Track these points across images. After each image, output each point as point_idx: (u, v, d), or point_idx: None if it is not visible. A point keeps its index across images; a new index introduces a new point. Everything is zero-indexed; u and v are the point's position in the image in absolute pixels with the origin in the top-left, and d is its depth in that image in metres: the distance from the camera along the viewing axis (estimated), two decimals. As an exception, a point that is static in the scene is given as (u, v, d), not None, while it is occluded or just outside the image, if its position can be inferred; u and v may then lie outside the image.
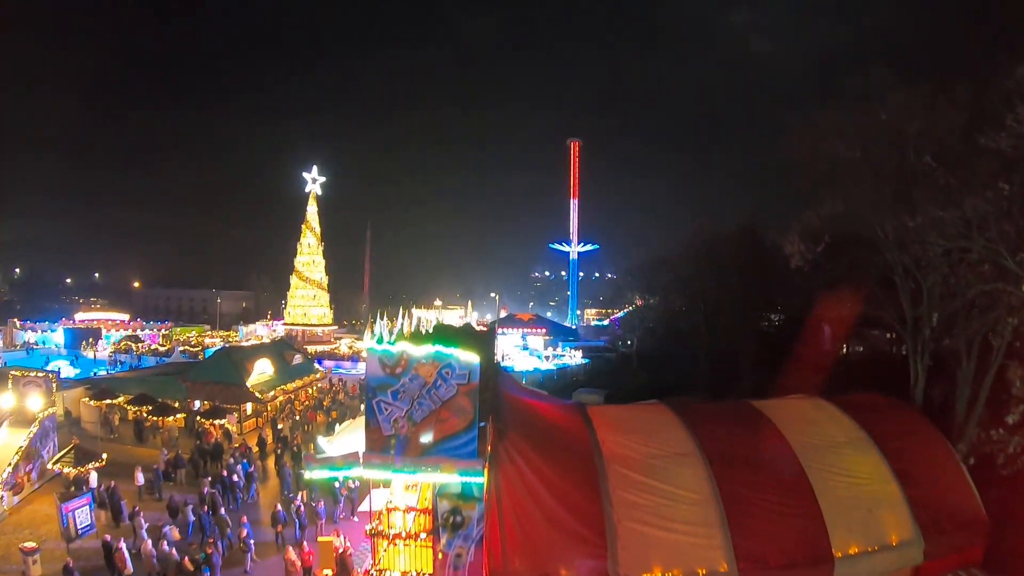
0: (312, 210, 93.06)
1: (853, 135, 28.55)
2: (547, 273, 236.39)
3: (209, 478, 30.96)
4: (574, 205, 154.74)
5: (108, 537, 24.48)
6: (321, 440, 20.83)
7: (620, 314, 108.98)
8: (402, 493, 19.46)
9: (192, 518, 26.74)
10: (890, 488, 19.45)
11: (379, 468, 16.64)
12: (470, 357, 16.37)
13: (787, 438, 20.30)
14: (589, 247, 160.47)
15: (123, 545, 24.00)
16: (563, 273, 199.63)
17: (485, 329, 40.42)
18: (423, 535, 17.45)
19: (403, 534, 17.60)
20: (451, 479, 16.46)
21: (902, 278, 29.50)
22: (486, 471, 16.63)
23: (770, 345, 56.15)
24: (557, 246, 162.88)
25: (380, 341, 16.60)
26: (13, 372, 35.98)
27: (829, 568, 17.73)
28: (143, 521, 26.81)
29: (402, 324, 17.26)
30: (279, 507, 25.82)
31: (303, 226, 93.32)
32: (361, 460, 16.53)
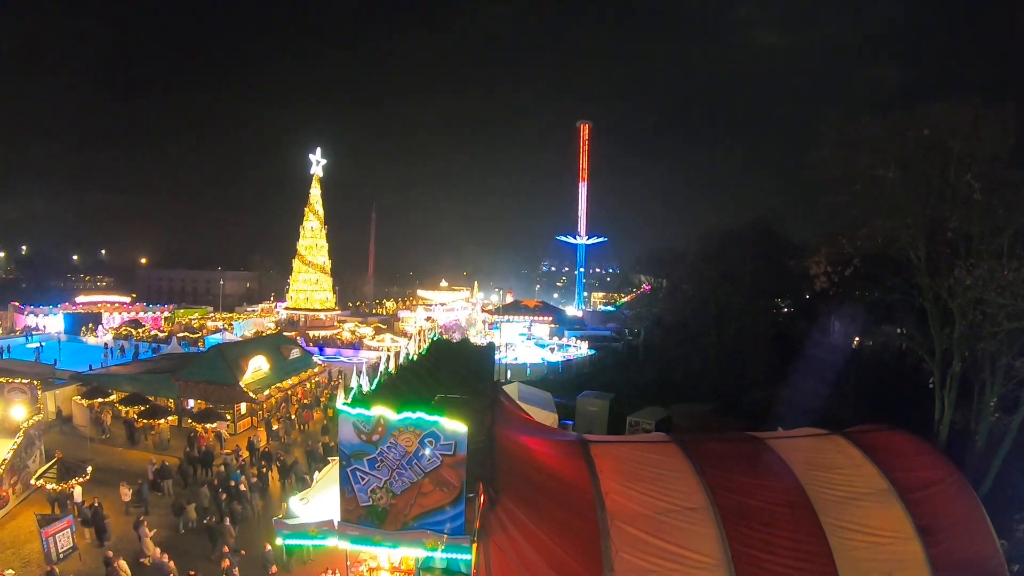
0: (315, 193, 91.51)
1: (890, 150, 27.02)
2: (553, 268, 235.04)
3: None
4: (583, 188, 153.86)
5: (110, 554, 23.94)
6: (294, 501, 19.26)
7: (627, 299, 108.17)
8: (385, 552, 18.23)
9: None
10: (912, 547, 18.23)
11: (357, 540, 15.28)
12: (456, 427, 14.86)
13: (805, 489, 18.85)
14: (597, 239, 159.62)
15: (121, 562, 23.46)
16: (566, 268, 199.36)
17: (491, 317, 39.15)
18: None
19: None
20: (436, 555, 15.08)
21: (932, 305, 28.03)
22: (474, 548, 15.25)
23: (780, 343, 55.06)
24: (565, 238, 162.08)
25: (355, 403, 15.12)
26: (-1, 380, 34.85)
27: (843, 639, 16.52)
28: (147, 530, 26.32)
29: (387, 364, 15.78)
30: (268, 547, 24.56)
31: (306, 209, 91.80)
32: (336, 529, 15.19)
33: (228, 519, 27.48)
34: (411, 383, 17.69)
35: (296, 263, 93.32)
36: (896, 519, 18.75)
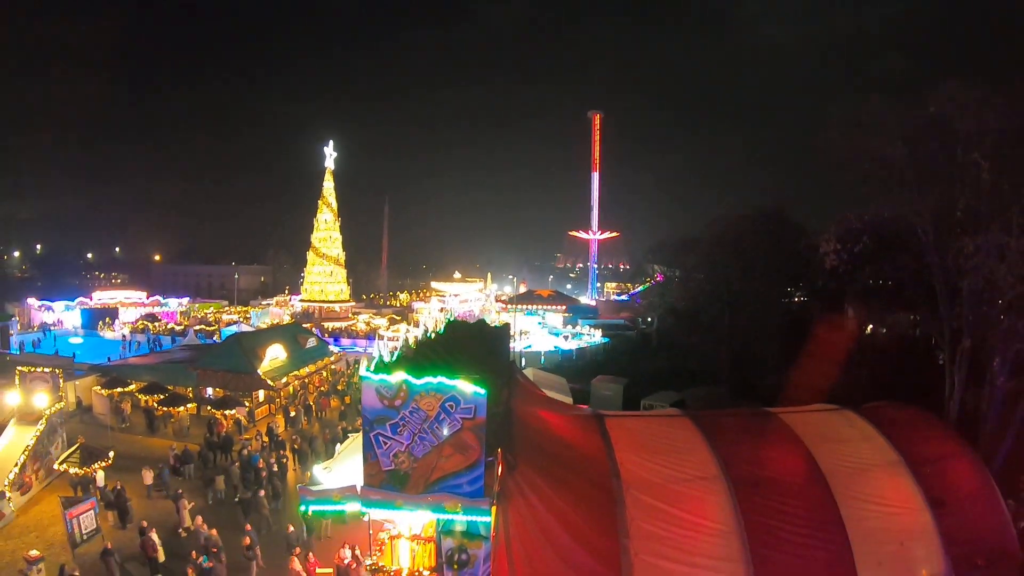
0: (328, 186, 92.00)
1: (898, 131, 27.15)
2: (568, 264, 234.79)
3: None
4: (595, 178, 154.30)
5: (144, 524, 24.96)
6: (317, 469, 19.77)
7: (641, 288, 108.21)
8: (406, 525, 18.62)
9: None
10: (923, 519, 18.36)
11: (379, 505, 15.64)
12: (475, 390, 15.21)
13: (817, 460, 19.04)
14: (609, 235, 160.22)
15: (154, 537, 24.22)
16: (579, 265, 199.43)
17: (504, 306, 39.38)
18: (426, 573, 16.51)
19: (405, 572, 16.67)
20: (455, 517, 15.43)
21: (941, 284, 28.16)
22: (493, 510, 15.61)
23: (793, 329, 55.07)
24: (577, 233, 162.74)
25: (378, 369, 15.48)
26: (20, 368, 35.45)
27: (856, 607, 16.73)
28: (185, 502, 27.70)
29: (406, 336, 16.14)
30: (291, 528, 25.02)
31: (319, 201, 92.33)
32: (359, 495, 15.58)
33: (263, 492, 28.56)
34: (429, 356, 18.00)
35: (310, 255, 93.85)
36: (906, 491, 18.88)
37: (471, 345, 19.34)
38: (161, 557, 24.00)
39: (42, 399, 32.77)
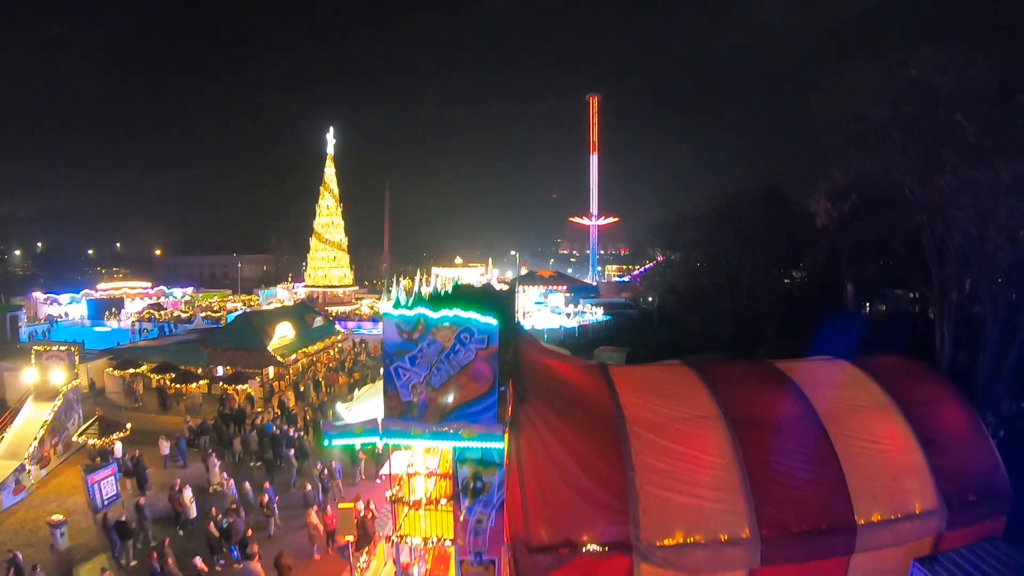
0: (330, 171, 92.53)
1: (883, 93, 27.85)
2: (569, 250, 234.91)
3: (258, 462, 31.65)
4: (594, 161, 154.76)
5: (177, 483, 26.15)
6: (340, 407, 20.87)
7: (642, 270, 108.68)
8: (423, 457, 19.46)
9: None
10: (915, 456, 18.95)
11: (398, 435, 16.43)
12: (489, 321, 16.08)
13: (812, 401, 19.78)
14: (609, 220, 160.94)
15: (188, 491, 25.49)
16: (578, 252, 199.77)
17: (506, 287, 40.16)
18: (444, 500, 17.35)
19: (424, 500, 17.52)
20: (471, 444, 16.28)
21: (929, 240, 28.89)
22: (506, 436, 16.46)
23: (793, 306, 55.82)
24: (577, 219, 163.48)
25: (396, 305, 16.32)
26: (36, 347, 36.40)
27: (852, 537, 17.33)
28: (215, 460, 29.21)
29: (420, 286, 16.93)
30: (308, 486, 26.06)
31: (321, 187, 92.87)
32: (380, 427, 16.42)
33: (293, 451, 30.10)
34: (442, 300, 18.81)
35: (313, 241, 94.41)
36: (897, 430, 19.49)
37: (480, 300, 20.05)
38: (192, 513, 25.04)
39: (58, 375, 33.60)
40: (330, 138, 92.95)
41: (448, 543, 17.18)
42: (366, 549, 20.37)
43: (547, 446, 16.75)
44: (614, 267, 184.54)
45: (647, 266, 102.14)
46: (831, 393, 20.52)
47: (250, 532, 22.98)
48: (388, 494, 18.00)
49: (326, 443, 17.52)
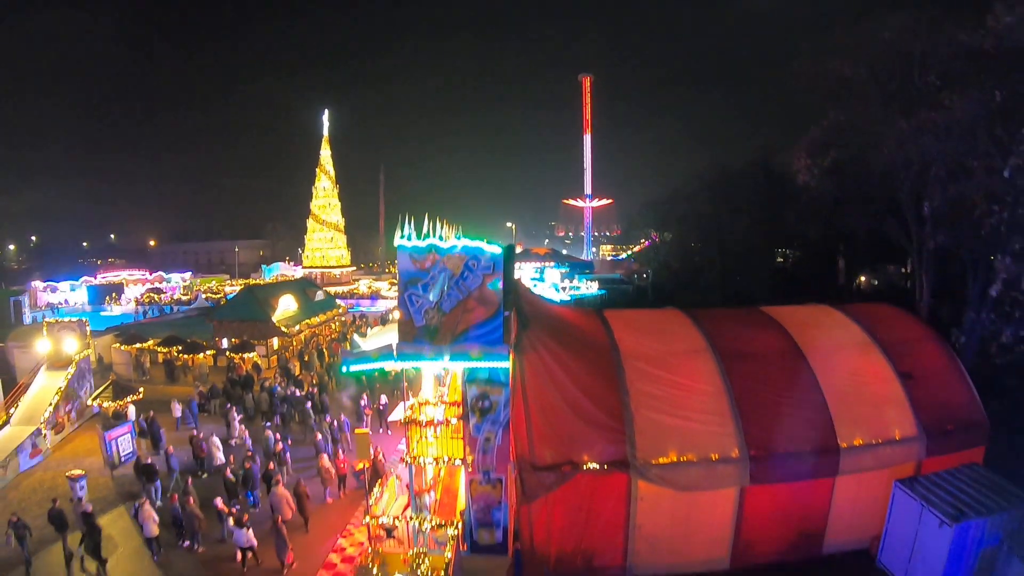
0: (326, 153, 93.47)
1: (859, 54, 28.89)
2: (564, 233, 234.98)
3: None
4: (587, 141, 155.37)
5: (200, 435, 27.75)
6: (356, 337, 22.05)
7: (634, 251, 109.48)
8: (433, 390, 20.66)
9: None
10: (894, 388, 20.05)
11: (412, 357, 17.66)
12: (494, 249, 17.25)
13: (795, 339, 20.98)
14: (603, 202, 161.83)
15: (215, 438, 27.11)
16: (573, 233, 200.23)
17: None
18: (453, 419, 18.48)
19: (435, 420, 18.64)
20: (479, 364, 17.41)
21: (906, 195, 29.94)
22: (511, 356, 17.62)
23: (786, 282, 56.60)
24: (571, 202, 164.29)
25: (409, 238, 17.43)
26: (48, 320, 37.27)
27: (835, 458, 18.48)
28: (235, 414, 30.59)
29: (428, 230, 17.98)
30: (318, 435, 27.24)
31: (317, 169, 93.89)
32: (395, 351, 17.63)
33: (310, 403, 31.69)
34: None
35: (310, 222, 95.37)
36: (877, 365, 20.63)
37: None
38: (219, 459, 26.23)
39: (71, 344, 34.47)
40: (325, 120, 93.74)
41: (458, 462, 18.27)
42: (379, 482, 21.47)
43: (549, 370, 17.99)
44: (608, 247, 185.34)
45: (642, 243, 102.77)
46: (814, 332, 21.76)
47: (272, 465, 24.15)
48: (402, 416, 19.14)
49: (344, 369, 18.62)
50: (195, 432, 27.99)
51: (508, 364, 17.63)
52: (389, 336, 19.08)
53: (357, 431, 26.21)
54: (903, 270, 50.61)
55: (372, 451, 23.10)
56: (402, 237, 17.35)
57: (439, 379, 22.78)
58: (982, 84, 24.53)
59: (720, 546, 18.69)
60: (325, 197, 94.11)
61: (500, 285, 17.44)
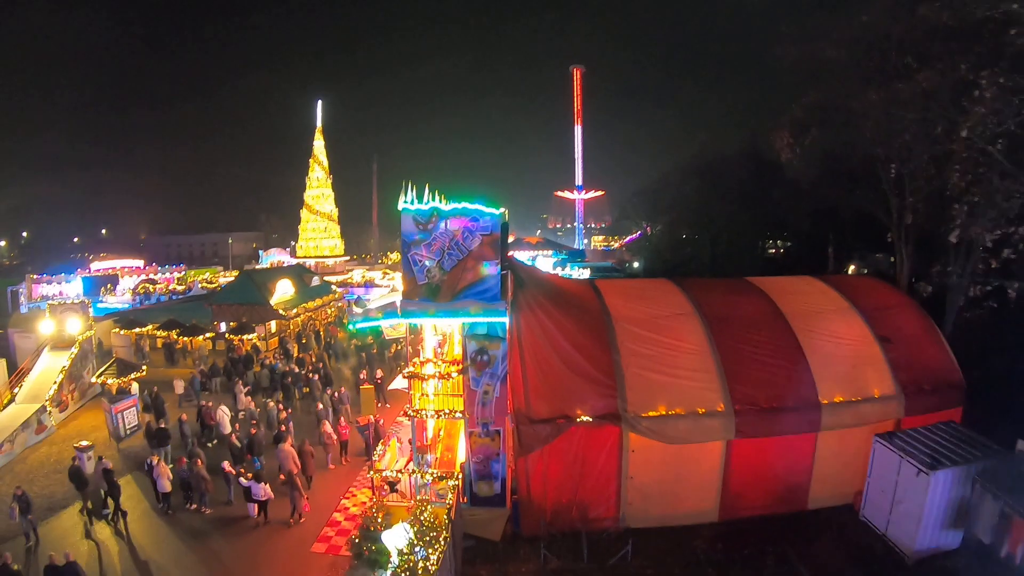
0: (319, 144, 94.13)
1: (839, 36, 29.80)
2: (556, 226, 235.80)
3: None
4: (578, 132, 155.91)
5: (210, 403, 29.16)
6: (362, 299, 23.15)
7: (628, 239, 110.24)
8: (432, 350, 21.58)
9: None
10: (873, 350, 21.10)
11: (416, 314, 18.68)
12: (492, 211, 18.16)
13: (778, 305, 22.10)
14: (594, 194, 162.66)
15: (224, 407, 28.23)
16: (567, 225, 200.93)
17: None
18: (454, 374, 19.34)
19: (437, 375, 19.52)
20: (478, 319, 18.29)
21: (885, 171, 30.84)
22: (508, 311, 18.53)
23: (775, 270, 57.20)
24: (563, 194, 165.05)
25: (413, 202, 18.28)
26: (51, 302, 37.85)
27: (817, 413, 19.49)
28: (241, 387, 31.51)
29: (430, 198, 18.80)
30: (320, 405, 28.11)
31: (311, 160, 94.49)
32: (399, 308, 18.63)
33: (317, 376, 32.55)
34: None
35: (304, 213, 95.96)
36: (857, 328, 21.68)
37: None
38: (227, 428, 26.96)
39: (75, 324, 35.05)
40: (319, 111, 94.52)
41: (458, 415, 19.15)
42: (381, 442, 22.38)
43: (543, 327, 19.09)
44: (600, 237, 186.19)
45: (634, 235, 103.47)
46: (796, 299, 22.92)
47: (282, 428, 25.08)
48: (405, 371, 20.02)
49: (352, 327, 19.65)
50: (208, 404, 28.86)
51: (505, 319, 18.51)
52: (391, 298, 20.02)
53: (362, 387, 27.18)
54: (892, 259, 51.33)
55: (374, 415, 23.97)
56: (406, 202, 18.17)
57: (439, 338, 23.71)
58: (952, 59, 25.29)
59: (709, 498, 19.65)
60: (319, 187, 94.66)
61: (498, 245, 18.28)
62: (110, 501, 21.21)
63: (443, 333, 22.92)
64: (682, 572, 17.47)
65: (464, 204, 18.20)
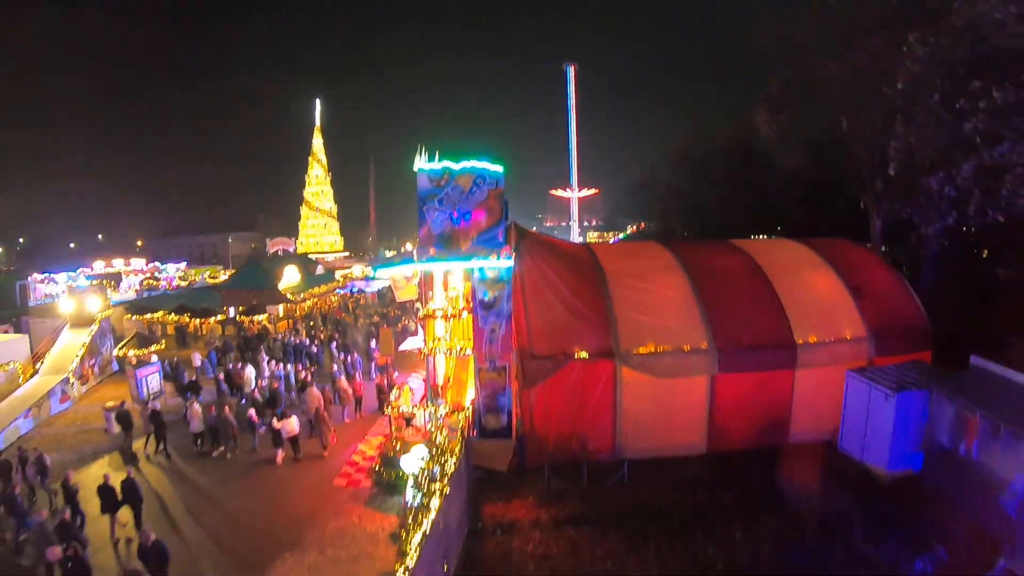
0: (318, 142, 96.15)
1: (811, 24, 31.77)
2: (551, 224, 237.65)
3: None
4: (573, 131, 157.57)
5: (239, 365, 31.23)
6: (363, 288, 25.69)
7: (621, 236, 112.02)
8: (443, 293, 23.64)
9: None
10: (845, 299, 23.05)
11: (430, 260, 20.92)
12: (497, 169, 20.64)
13: (756, 260, 24.32)
14: (590, 192, 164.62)
15: (251, 367, 30.32)
16: (563, 224, 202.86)
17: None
18: (465, 313, 21.44)
19: (448, 312, 21.81)
20: (486, 264, 20.41)
21: (857, 142, 32.73)
22: (513, 257, 20.68)
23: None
24: (558, 192, 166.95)
25: (428, 162, 20.57)
26: (70, 283, 39.47)
27: (792, 352, 21.45)
28: (264, 355, 33.35)
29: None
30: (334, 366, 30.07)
31: (310, 158, 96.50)
32: (415, 257, 20.96)
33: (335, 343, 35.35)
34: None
35: (304, 210, 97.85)
36: (830, 281, 23.66)
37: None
38: (248, 386, 29.08)
39: (94, 302, 36.70)
40: (317, 110, 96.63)
41: (468, 351, 21.17)
42: (396, 387, 24.35)
43: (543, 273, 21.60)
44: (595, 234, 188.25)
45: (628, 233, 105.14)
46: (774, 256, 25.28)
47: (307, 377, 27.25)
48: (420, 312, 22.12)
49: (373, 273, 22.02)
50: (236, 365, 31.14)
51: (510, 264, 20.70)
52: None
53: (382, 330, 29.20)
54: (883, 248, 52.97)
55: (392, 355, 26.09)
56: (420, 162, 20.54)
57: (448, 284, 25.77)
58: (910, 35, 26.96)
59: (697, 431, 21.47)
60: (318, 184, 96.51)
61: (502, 197, 20.78)
62: (152, 441, 23.87)
63: (449, 295, 24.84)
64: (675, 491, 19.11)
65: (472, 163, 20.62)
